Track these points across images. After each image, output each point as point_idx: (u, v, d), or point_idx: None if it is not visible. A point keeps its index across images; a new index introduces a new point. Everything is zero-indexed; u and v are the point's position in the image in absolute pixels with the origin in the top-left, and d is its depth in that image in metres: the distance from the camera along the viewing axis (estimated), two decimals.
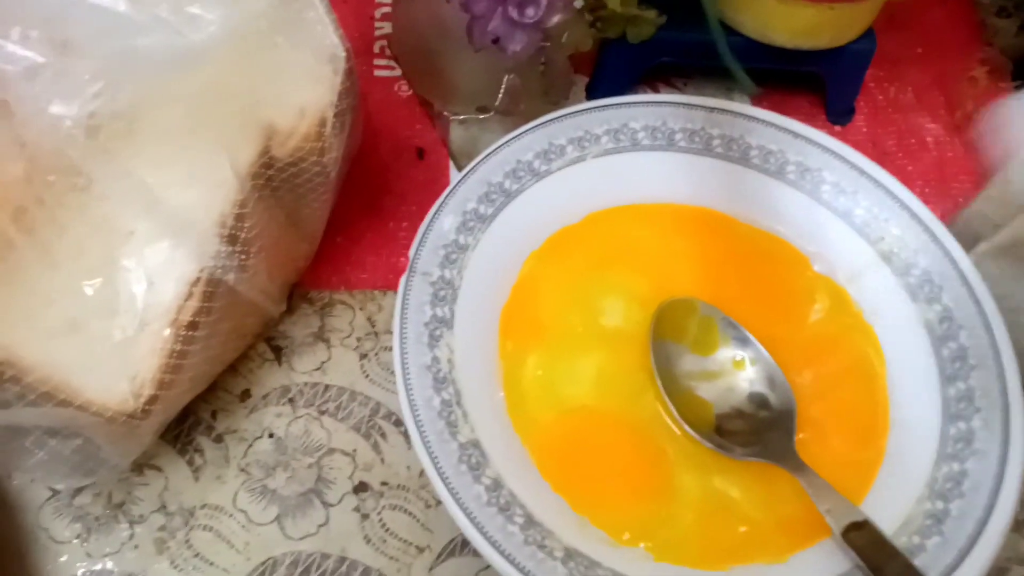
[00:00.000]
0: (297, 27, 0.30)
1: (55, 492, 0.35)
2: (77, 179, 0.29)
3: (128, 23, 0.26)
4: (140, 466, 0.36)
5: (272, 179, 0.32)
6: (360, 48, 0.48)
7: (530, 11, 0.36)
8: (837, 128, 0.49)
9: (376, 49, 0.48)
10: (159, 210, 0.30)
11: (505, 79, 0.41)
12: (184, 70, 0.28)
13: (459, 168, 0.45)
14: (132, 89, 0.28)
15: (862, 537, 0.32)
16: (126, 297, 0.30)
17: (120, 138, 0.30)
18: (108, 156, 0.29)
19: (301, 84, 0.32)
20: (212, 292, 0.31)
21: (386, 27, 0.49)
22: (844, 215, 0.41)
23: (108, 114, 0.28)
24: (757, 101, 0.48)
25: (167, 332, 0.30)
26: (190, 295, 0.31)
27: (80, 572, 0.34)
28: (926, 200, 0.40)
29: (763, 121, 0.42)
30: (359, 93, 0.35)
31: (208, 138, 0.31)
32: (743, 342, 0.38)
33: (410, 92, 0.47)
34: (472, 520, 0.31)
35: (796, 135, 0.42)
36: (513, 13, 0.36)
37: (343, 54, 0.31)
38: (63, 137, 0.27)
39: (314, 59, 0.31)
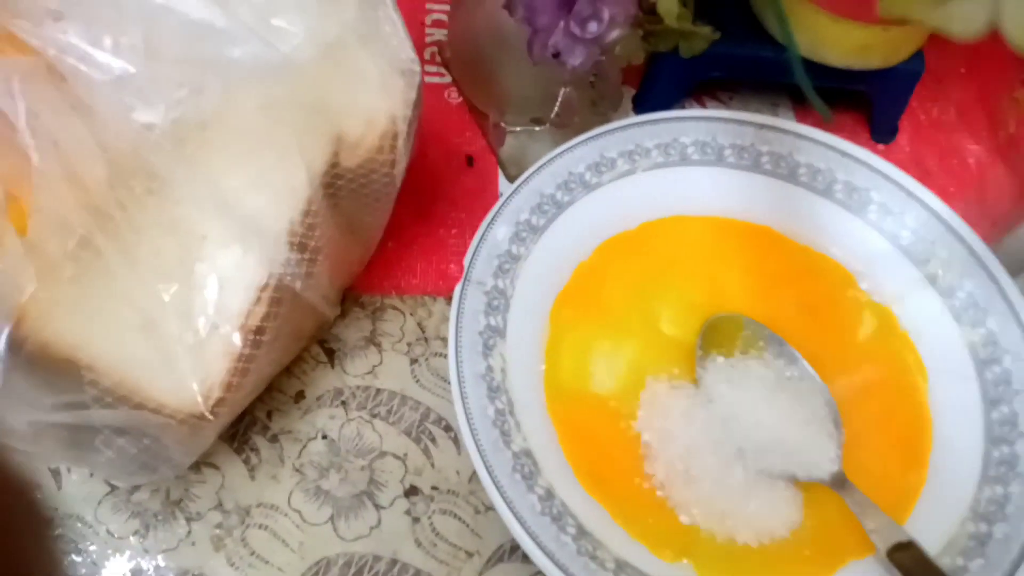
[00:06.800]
0: (375, 40, 0.31)
1: (113, 488, 0.36)
2: (154, 183, 0.30)
3: (221, 34, 0.27)
4: (198, 464, 0.36)
5: (340, 188, 0.33)
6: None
7: (592, 26, 0.36)
8: (880, 147, 0.49)
9: (427, 56, 0.49)
10: (232, 215, 0.31)
11: (562, 92, 0.41)
12: (270, 80, 0.28)
13: (508, 176, 0.45)
14: (217, 98, 0.28)
15: (908, 558, 0.32)
16: (198, 301, 0.30)
17: (198, 143, 0.30)
18: (186, 161, 0.30)
19: (374, 96, 0.32)
20: (279, 298, 0.32)
21: (436, 34, 0.50)
22: (891, 236, 0.41)
23: (191, 121, 0.28)
24: (802, 117, 0.48)
25: (236, 336, 0.31)
26: (259, 300, 0.31)
27: (137, 568, 0.34)
28: (967, 221, 0.40)
29: (812, 139, 0.43)
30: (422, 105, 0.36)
31: (281, 146, 0.31)
32: (789, 359, 0.38)
33: (459, 99, 0.48)
34: (527, 529, 0.32)
35: (844, 154, 0.42)
36: (575, 29, 0.36)
37: (418, 69, 0.32)
38: (146, 143, 0.28)
39: (389, 72, 0.32)
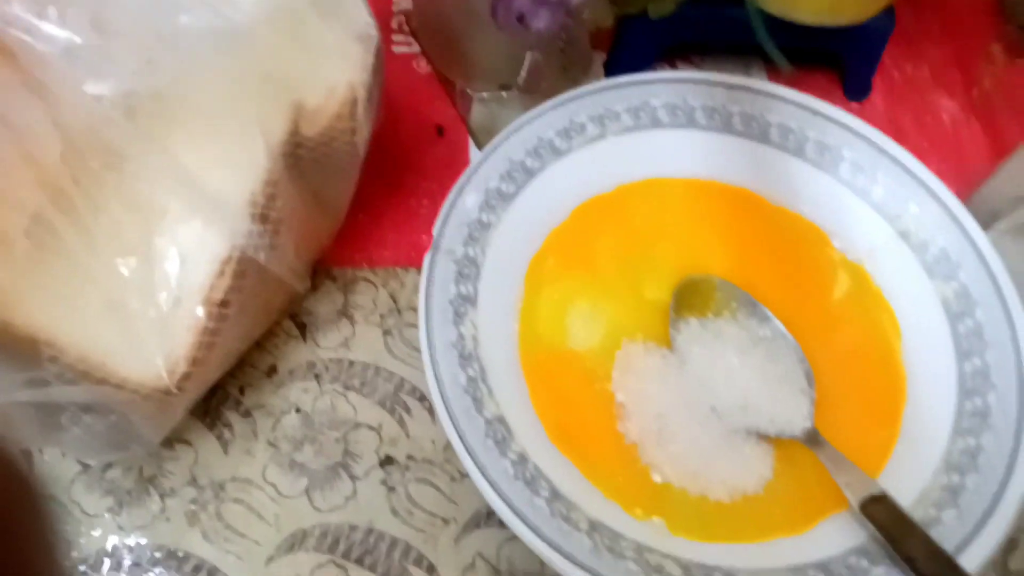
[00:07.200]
0: (331, 6, 0.30)
1: (85, 467, 0.36)
2: (112, 159, 0.29)
3: (170, 2, 0.26)
4: (170, 440, 0.36)
5: (302, 158, 0.33)
6: (378, 25, 0.48)
7: None
8: (854, 105, 0.49)
9: (394, 25, 0.48)
10: (192, 189, 0.30)
11: (528, 57, 0.41)
12: (223, 49, 0.28)
13: (478, 145, 0.45)
14: (170, 69, 0.28)
15: (881, 510, 0.33)
16: (160, 276, 0.30)
17: (154, 117, 0.30)
18: (143, 135, 0.29)
19: (331, 63, 0.32)
20: (243, 270, 0.31)
21: (403, 2, 0.49)
22: (863, 193, 0.41)
23: (146, 94, 0.28)
24: (774, 77, 0.48)
25: (200, 310, 0.31)
26: (222, 273, 0.31)
27: (112, 545, 0.34)
28: (942, 177, 0.40)
29: (783, 99, 0.42)
30: (383, 71, 0.36)
31: (240, 117, 0.31)
32: (762, 319, 0.38)
33: (428, 69, 0.47)
34: (500, 494, 0.32)
35: (815, 113, 0.42)
36: None
37: (376, 33, 0.31)
38: (101, 117, 0.27)
39: (346, 38, 0.31)
